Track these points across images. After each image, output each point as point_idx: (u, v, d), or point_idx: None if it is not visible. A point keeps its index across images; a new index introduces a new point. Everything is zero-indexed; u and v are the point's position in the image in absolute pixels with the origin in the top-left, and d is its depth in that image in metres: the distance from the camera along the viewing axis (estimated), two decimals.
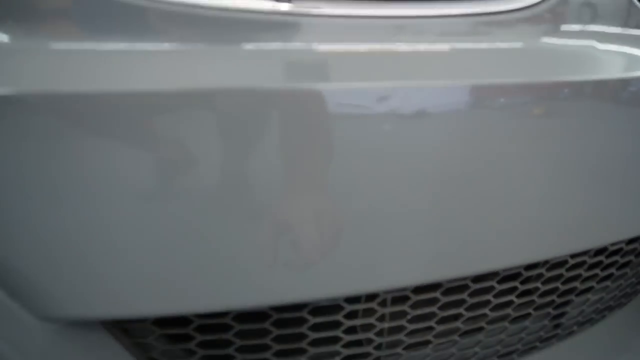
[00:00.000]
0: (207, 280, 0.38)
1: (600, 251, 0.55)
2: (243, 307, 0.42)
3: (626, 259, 0.59)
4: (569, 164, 0.45)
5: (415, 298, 0.48)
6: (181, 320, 0.42)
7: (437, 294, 0.48)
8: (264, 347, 0.46)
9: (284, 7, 0.37)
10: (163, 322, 0.43)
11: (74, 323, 0.40)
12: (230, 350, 0.45)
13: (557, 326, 0.60)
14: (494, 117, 0.41)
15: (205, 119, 0.34)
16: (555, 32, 0.47)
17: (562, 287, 0.56)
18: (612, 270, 0.59)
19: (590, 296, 0.59)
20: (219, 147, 0.35)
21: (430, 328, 0.51)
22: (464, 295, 0.49)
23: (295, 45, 0.38)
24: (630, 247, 0.58)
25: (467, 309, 0.51)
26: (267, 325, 0.44)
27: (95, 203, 0.34)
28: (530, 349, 0.59)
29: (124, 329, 0.43)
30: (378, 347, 0.50)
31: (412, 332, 0.50)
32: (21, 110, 0.32)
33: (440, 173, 0.40)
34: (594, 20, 0.48)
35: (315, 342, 0.46)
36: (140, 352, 0.44)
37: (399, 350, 0.51)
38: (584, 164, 0.46)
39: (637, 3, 0.50)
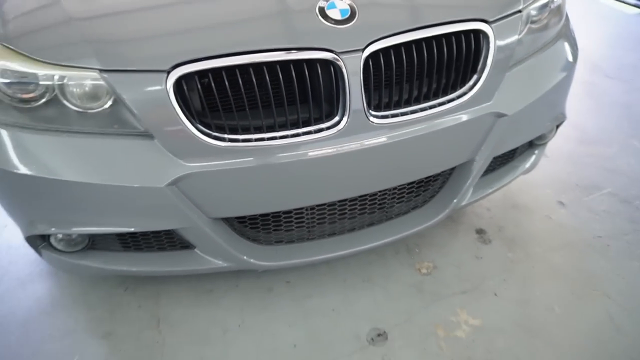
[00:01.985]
0: (258, 203, 1.27)
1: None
2: (268, 211, 1.30)
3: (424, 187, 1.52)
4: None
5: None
6: (242, 217, 1.34)
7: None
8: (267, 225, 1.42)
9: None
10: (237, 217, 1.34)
11: (214, 217, 1.29)
12: (258, 227, 1.40)
13: (384, 215, 1.50)
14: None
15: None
16: None
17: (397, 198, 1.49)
18: (421, 190, 1.54)
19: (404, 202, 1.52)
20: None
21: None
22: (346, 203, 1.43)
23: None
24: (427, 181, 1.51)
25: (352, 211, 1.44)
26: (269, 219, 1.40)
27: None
28: (374, 223, 1.51)
29: (225, 219, 1.34)
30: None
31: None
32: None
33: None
34: None
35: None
36: (230, 226, 1.36)
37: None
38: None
39: None
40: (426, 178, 1.48)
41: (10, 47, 1.13)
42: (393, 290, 1.59)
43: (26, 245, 1.78)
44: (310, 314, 1.53)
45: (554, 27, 1.50)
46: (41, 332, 1.50)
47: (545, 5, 1.44)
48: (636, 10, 4.19)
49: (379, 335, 1.46)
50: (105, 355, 1.42)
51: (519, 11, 1.34)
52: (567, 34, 1.59)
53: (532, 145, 1.72)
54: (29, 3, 1.25)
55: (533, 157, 1.74)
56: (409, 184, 1.47)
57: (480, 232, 1.81)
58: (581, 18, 4.04)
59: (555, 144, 2.27)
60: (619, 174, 2.10)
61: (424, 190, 1.53)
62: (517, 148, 1.63)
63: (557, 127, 1.70)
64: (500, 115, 1.37)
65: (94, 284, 1.64)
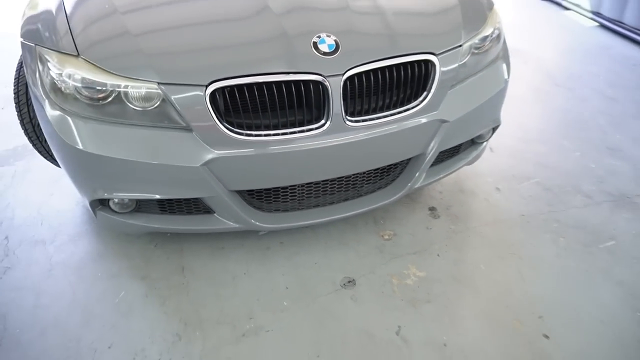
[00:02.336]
0: (271, 179, 1.74)
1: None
2: (270, 187, 1.79)
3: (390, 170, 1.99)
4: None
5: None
6: (251, 190, 1.81)
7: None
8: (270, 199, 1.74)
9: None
10: (247, 190, 1.78)
11: (231, 190, 1.76)
12: (262, 198, 1.84)
13: (356, 192, 2.00)
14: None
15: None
16: None
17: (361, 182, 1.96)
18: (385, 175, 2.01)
19: (372, 184, 2.01)
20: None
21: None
22: (328, 182, 1.90)
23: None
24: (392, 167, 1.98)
25: (332, 188, 1.93)
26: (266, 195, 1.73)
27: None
28: (348, 198, 2.00)
29: (238, 192, 1.81)
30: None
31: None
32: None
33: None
34: None
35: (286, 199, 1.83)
36: (242, 197, 1.84)
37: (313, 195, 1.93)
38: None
39: None
40: (388, 166, 1.98)
41: (86, 59, 1.57)
42: (361, 251, 2.09)
43: (73, 209, 2.25)
44: (298, 266, 2.02)
45: (494, 50, 1.99)
46: (93, 275, 1.97)
47: (486, 37, 1.92)
48: (592, 23, 4.71)
49: (349, 281, 1.96)
50: (145, 291, 1.90)
51: (460, 45, 1.82)
52: (503, 56, 2.08)
53: (474, 142, 2.22)
54: (93, 19, 1.68)
55: (475, 152, 2.25)
56: (374, 170, 1.95)
57: (432, 209, 2.32)
58: (543, 28, 4.56)
59: (502, 141, 2.78)
60: (547, 167, 2.62)
61: (386, 175, 2.03)
62: (460, 145, 2.13)
63: (494, 129, 2.20)
64: (443, 121, 1.86)
65: (130, 241, 2.11)
